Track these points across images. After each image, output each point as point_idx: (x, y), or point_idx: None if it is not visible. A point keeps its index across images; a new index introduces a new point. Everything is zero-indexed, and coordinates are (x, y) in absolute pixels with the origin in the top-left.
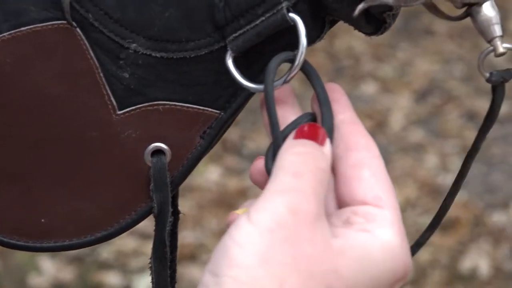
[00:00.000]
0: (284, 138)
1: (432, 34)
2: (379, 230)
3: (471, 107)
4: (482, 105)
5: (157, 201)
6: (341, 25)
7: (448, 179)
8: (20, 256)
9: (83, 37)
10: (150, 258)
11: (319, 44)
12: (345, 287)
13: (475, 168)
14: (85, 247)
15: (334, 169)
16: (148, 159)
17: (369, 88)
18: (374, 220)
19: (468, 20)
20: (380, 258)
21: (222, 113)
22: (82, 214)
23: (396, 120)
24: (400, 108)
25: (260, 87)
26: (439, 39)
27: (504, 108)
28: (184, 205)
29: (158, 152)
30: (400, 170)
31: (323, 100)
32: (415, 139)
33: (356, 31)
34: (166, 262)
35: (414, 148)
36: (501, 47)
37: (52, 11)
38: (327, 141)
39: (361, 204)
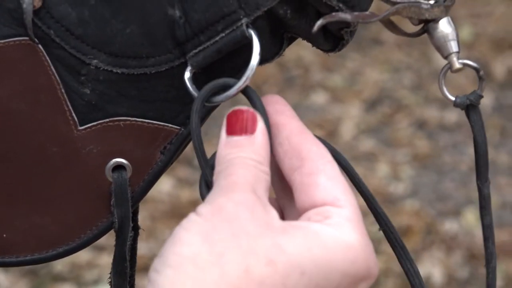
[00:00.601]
0: (212, 167)
1: (380, 43)
2: (335, 226)
3: (421, 115)
4: (432, 113)
5: (118, 216)
6: None
7: (399, 188)
8: None
9: (45, 53)
10: (110, 273)
11: None
12: (289, 264)
13: (426, 176)
14: (46, 262)
15: (291, 180)
16: (109, 174)
17: (319, 97)
18: (332, 217)
19: (412, 27)
20: (332, 245)
21: (183, 129)
22: (43, 229)
23: (347, 130)
24: (351, 118)
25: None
26: (387, 48)
27: (453, 116)
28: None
29: (119, 167)
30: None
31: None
32: (366, 148)
33: (305, 41)
34: (126, 277)
35: (365, 157)
36: (457, 63)
37: (14, 27)
38: (258, 124)
39: (321, 206)
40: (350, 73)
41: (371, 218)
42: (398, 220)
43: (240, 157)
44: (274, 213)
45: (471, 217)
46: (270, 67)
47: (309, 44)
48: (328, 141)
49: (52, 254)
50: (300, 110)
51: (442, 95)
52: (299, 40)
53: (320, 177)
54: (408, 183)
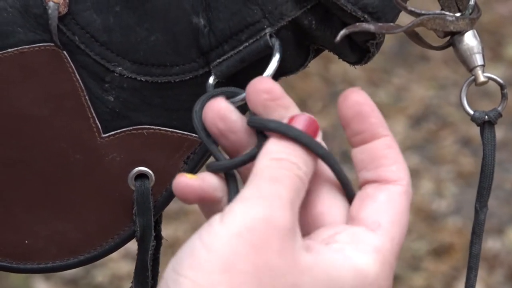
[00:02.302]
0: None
1: (427, 59)
2: (357, 253)
3: (466, 133)
4: (477, 131)
5: (140, 225)
6: None
7: (442, 205)
8: (15, 278)
9: (69, 60)
10: (132, 282)
11: (315, 69)
12: None
13: (470, 194)
14: (68, 269)
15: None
16: (131, 183)
17: None
18: (358, 242)
19: None
20: (350, 282)
21: None
22: (65, 236)
23: None
24: (395, 134)
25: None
26: (434, 65)
27: (499, 134)
28: (179, 228)
29: (141, 176)
30: None
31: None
32: (410, 164)
33: None
34: (147, 286)
35: (409, 174)
36: (482, 76)
37: (39, 33)
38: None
39: (356, 224)
40: (396, 89)
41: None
42: (440, 238)
43: (291, 162)
44: (300, 241)
45: None
46: (315, 81)
47: None
48: None
49: (73, 261)
50: None
51: (462, 107)
52: None
53: (382, 194)
54: (451, 201)
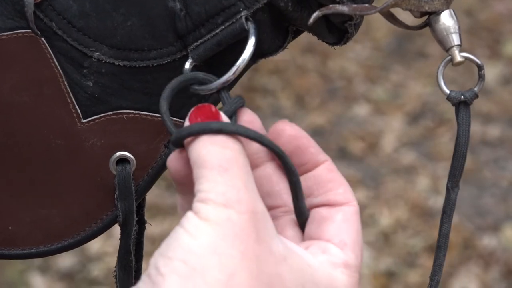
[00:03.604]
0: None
1: (425, 56)
2: (329, 265)
3: None
4: (474, 128)
5: (122, 209)
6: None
7: (439, 202)
8: (10, 272)
9: (47, 46)
10: (115, 267)
11: (312, 65)
12: None
13: (466, 191)
14: (51, 255)
15: (309, 203)
16: (113, 167)
17: (361, 109)
18: (330, 255)
19: (463, 43)
20: (324, 285)
21: None
22: (48, 222)
23: (388, 142)
24: (393, 130)
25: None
26: (432, 61)
27: (496, 132)
28: (175, 223)
29: (123, 160)
30: (392, 192)
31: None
32: (407, 161)
33: (350, 53)
34: (131, 271)
35: (406, 170)
36: (459, 56)
37: (17, 19)
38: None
39: (326, 242)
40: (394, 85)
41: (409, 231)
42: (436, 234)
43: (237, 151)
44: (272, 228)
45: (510, 233)
46: (313, 77)
47: (354, 56)
48: (369, 153)
49: (56, 247)
50: (342, 121)
51: (438, 86)
52: (343, 51)
53: (338, 214)
54: None
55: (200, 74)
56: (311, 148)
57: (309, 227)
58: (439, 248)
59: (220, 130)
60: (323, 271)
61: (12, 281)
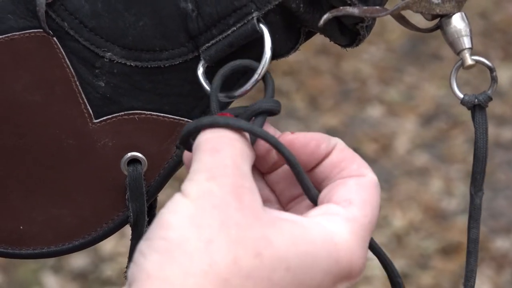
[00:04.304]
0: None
1: (439, 58)
2: (327, 222)
3: None
4: (489, 130)
5: (133, 210)
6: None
7: (452, 204)
8: (23, 272)
9: (59, 46)
10: (126, 267)
11: (326, 66)
12: (276, 257)
13: None
14: (62, 255)
15: (324, 180)
16: (124, 168)
17: (375, 111)
18: (329, 214)
19: (476, 45)
20: (318, 241)
21: None
22: (60, 221)
23: (402, 144)
24: (406, 132)
25: (229, 95)
26: (446, 63)
27: (509, 134)
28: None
29: (134, 161)
30: (405, 194)
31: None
32: (420, 163)
33: (364, 54)
34: None
35: (419, 172)
36: (470, 59)
37: (29, 19)
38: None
39: (329, 203)
40: (407, 87)
41: (422, 233)
42: (448, 236)
43: (227, 134)
44: (260, 201)
45: None
46: (326, 78)
47: (367, 57)
48: (383, 155)
49: (68, 247)
50: (355, 123)
51: (451, 90)
52: (357, 53)
53: (352, 180)
54: (461, 200)
55: (245, 61)
56: (322, 145)
57: (322, 193)
58: (469, 253)
59: (227, 125)
60: (318, 228)
61: (25, 280)
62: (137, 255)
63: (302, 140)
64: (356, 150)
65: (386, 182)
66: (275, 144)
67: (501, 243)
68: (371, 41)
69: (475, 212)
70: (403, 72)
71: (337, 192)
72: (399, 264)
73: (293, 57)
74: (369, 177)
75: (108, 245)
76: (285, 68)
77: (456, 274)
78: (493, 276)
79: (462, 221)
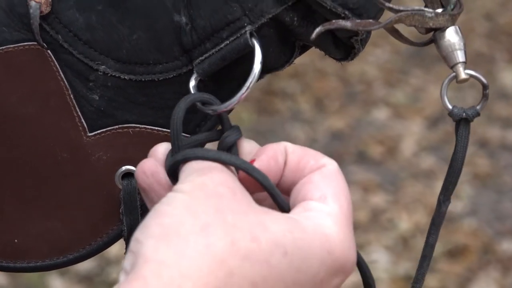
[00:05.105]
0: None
1: None
2: (314, 216)
3: (483, 135)
4: (494, 133)
5: (127, 224)
6: None
7: (458, 206)
8: (29, 274)
9: (54, 59)
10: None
11: (332, 69)
12: (273, 242)
13: (485, 196)
14: (57, 268)
15: (291, 185)
16: (118, 181)
17: (381, 113)
18: (312, 210)
19: (481, 48)
20: (311, 232)
21: None
22: (54, 235)
23: (408, 146)
24: (412, 134)
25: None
26: None
27: None
28: None
29: (128, 175)
30: (411, 196)
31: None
32: (426, 165)
33: (370, 56)
34: None
35: (425, 175)
36: (463, 73)
37: (24, 32)
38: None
39: (308, 200)
40: (413, 89)
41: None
42: (455, 239)
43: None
44: (251, 197)
45: None
46: (332, 81)
47: (373, 60)
48: (389, 157)
49: (62, 260)
50: (361, 125)
51: (442, 103)
52: (363, 55)
53: (316, 175)
54: (467, 202)
55: (206, 96)
56: (279, 157)
57: (292, 194)
58: (424, 257)
59: (202, 157)
60: (308, 221)
61: (32, 283)
62: (133, 244)
63: (265, 163)
64: (362, 152)
65: (392, 185)
66: (251, 172)
67: (507, 246)
68: (376, 43)
69: (438, 219)
70: (409, 74)
71: (309, 190)
72: (405, 266)
73: (298, 60)
74: (329, 165)
75: (114, 248)
76: (291, 70)
77: (462, 277)
78: (499, 278)
79: (468, 223)
